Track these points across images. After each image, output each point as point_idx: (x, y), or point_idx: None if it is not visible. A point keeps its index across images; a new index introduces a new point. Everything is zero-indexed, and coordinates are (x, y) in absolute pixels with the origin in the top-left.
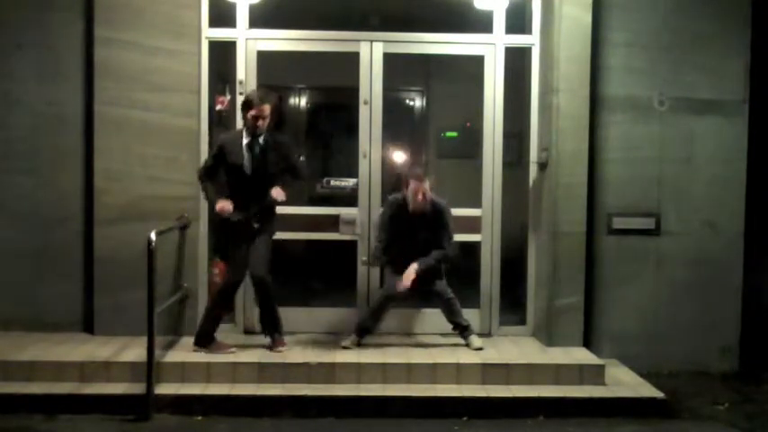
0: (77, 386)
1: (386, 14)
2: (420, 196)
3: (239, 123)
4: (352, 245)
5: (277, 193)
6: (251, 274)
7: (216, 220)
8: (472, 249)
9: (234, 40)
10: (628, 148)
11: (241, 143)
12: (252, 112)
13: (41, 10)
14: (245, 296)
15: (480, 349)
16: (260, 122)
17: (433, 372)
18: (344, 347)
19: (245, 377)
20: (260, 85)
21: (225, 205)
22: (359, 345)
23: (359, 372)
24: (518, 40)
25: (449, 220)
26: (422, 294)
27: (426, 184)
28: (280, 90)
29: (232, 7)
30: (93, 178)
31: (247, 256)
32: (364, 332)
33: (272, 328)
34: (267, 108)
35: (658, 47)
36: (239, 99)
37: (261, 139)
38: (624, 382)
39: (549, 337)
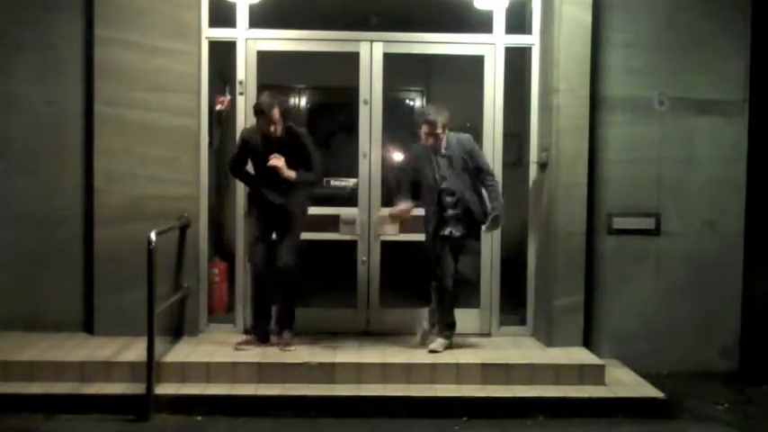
0: (77, 386)
1: (386, 14)
2: (431, 140)
3: (240, 123)
4: (352, 245)
5: (276, 159)
6: (276, 264)
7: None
8: None
9: (234, 40)
10: (628, 148)
11: (259, 138)
12: (262, 119)
13: (41, 10)
14: (245, 296)
15: (435, 352)
16: (272, 128)
17: (433, 372)
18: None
19: (245, 377)
20: (263, 87)
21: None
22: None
23: (359, 372)
24: (518, 40)
25: (479, 155)
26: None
27: (438, 126)
28: (280, 90)
29: (232, 7)
30: (93, 178)
31: (268, 244)
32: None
33: (284, 324)
34: (277, 113)
35: (658, 47)
36: (239, 99)
37: (278, 136)
38: (624, 382)
39: (549, 337)
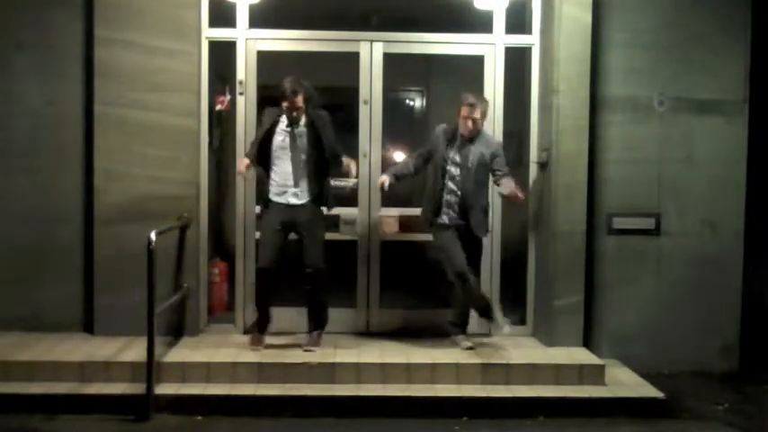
0: (77, 386)
1: (386, 14)
2: (470, 123)
3: (240, 123)
4: (352, 245)
5: (347, 165)
6: (307, 265)
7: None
8: None
9: (234, 40)
10: (628, 148)
11: (281, 124)
12: (285, 104)
13: (41, 10)
14: (246, 296)
15: (471, 348)
16: (294, 113)
17: (433, 372)
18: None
19: (245, 377)
20: (263, 88)
21: (243, 163)
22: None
23: (359, 372)
24: (518, 40)
25: (503, 160)
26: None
27: (478, 112)
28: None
29: (232, 7)
30: (93, 178)
31: (278, 242)
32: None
33: (317, 325)
34: (300, 99)
35: (658, 47)
36: (239, 99)
37: (300, 123)
38: (624, 382)
39: (549, 337)
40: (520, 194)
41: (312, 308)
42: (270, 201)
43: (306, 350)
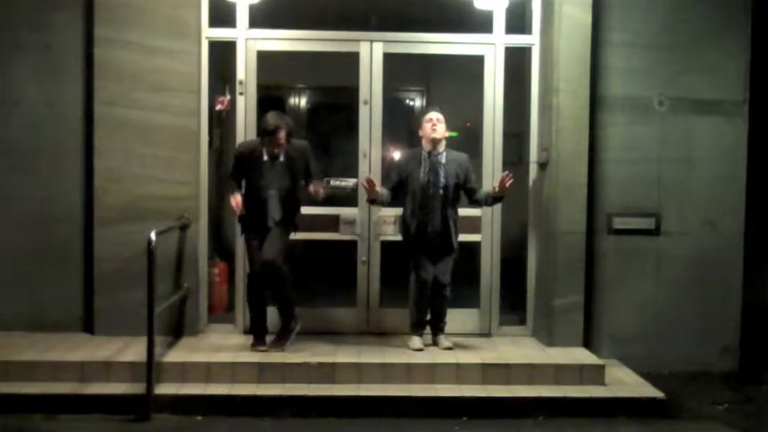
0: (77, 386)
1: (386, 14)
2: (436, 129)
3: (240, 123)
4: (352, 245)
5: (315, 189)
6: (262, 261)
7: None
8: (472, 249)
9: (234, 40)
10: (628, 148)
11: (260, 157)
12: (268, 140)
13: (41, 10)
14: (245, 296)
15: (450, 349)
16: (276, 149)
17: (433, 372)
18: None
19: (245, 377)
20: (262, 87)
21: (237, 200)
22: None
23: (359, 372)
24: (518, 40)
25: (473, 175)
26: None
27: (443, 121)
28: (280, 90)
29: (232, 7)
30: (93, 178)
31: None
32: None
33: (283, 323)
34: (283, 135)
35: (658, 47)
36: (239, 99)
37: (281, 157)
38: (624, 382)
39: (549, 337)
40: (506, 179)
41: (277, 305)
42: (249, 222)
43: (261, 350)
